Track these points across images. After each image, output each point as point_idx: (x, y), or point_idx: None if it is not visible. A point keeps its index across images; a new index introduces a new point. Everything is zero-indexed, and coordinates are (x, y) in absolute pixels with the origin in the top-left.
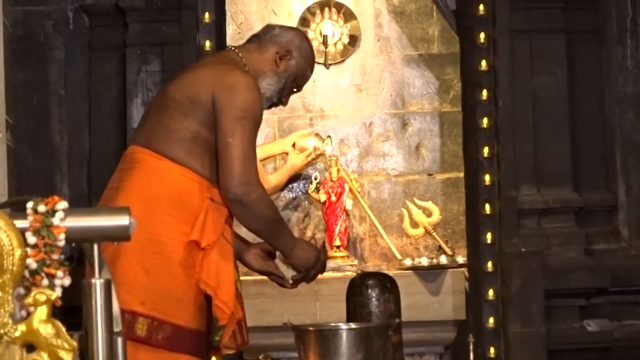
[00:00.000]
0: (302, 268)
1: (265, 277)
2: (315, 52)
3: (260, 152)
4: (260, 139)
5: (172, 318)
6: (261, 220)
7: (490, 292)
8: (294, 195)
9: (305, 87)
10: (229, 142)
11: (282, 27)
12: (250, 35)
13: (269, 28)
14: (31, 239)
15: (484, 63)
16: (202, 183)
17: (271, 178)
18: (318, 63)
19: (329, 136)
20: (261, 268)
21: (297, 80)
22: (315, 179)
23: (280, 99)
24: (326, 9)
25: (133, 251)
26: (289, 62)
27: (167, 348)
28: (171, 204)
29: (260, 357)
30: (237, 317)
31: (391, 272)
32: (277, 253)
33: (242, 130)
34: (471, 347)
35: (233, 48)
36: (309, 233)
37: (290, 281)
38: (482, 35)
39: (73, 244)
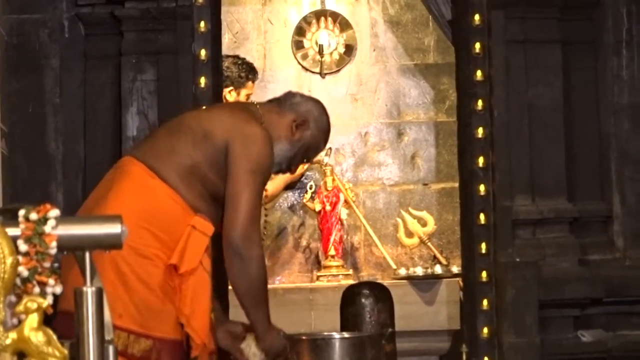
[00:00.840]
0: (271, 352)
1: None
2: (312, 60)
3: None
4: None
5: (150, 331)
6: (252, 281)
7: (485, 302)
8: (289, 204)
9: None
10: (240, 194)
11: (303, 96)
12: (272, 97)
13: (290, 95)
14: (23, 246)
15: (479, 73)
16: (187, 209)
17: (267, 187)
18: (313, 72)
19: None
20: (227, 347)
21: (308, 151)
22: (311, 188)
23: (289, 166)
24: (322, 19)
25: (113, 263)
26: (305, 132)
27: None
28: (155, 223)
29: None
30: (209, 349)
31: (386, 282)
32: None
33: (253, 184)
34: (464, 357)
35: (256, 104)
36: (303, 242)
37: None
38: (477, 46)
39: (64, 252)
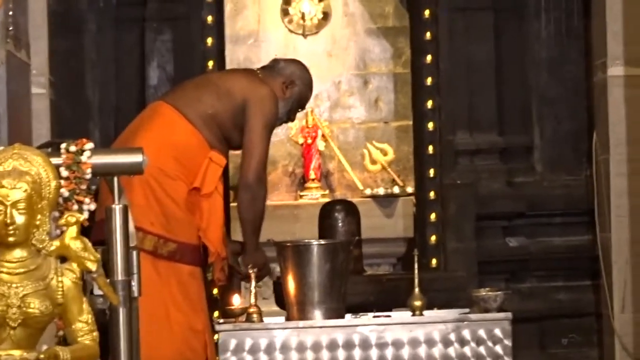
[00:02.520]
0: (254, 263)
1: None
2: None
3: None
4: None
5: (175, 236)
6: (256, 212)
7: (433, 216)
8: (277, 138)
9: (288, 54)
10: (256, 144)
11: (286, 60)
12: (260, 66)
13: (275, 61)
14: (64, 172)
15: (428, 34)
16: (205, 145)
17: None
18: (297, 34)
19: None
20: (228, 259)
21: (300, 102)
22: (295, 125)
23: (289, 117)
24: None
25: (147, 181)
26: (293, 89)
27: (170, 260)
28: (181, 153)
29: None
30: (222, 256)
31: (354, 200)
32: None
33: (266, 137)
34: (416, 259)
35: (258, 70)
36: (290, 169)
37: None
38: (427, 12)
39: (97, 177)
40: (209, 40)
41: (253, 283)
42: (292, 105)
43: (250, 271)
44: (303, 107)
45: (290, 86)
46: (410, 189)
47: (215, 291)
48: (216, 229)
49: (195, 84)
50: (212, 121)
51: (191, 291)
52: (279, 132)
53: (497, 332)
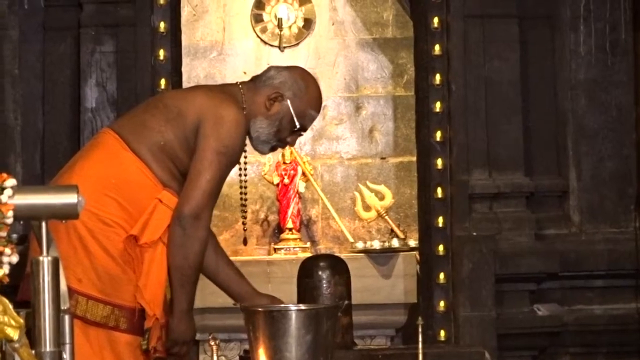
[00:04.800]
0: (174, 336)
1: None
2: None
3: None
4: None
5: (109, 297)
6: (187, 259)
7: (442, 276)
8: (246, 177)
9: (259, 71)
10: (202, 172)
11: (278, 68)
12: (253, 75)
13: (267, 70)
14: None
15: (437, 47)
16: (155, 183)
17: None
18: (272, 46)
19: None
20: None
21: (294, 121)
22: (269, 161)
23: (280, 140)
24: None
25: (74, 229)
26: (281, 104)
27: (103, 327)
28: (122, 193)
29: (209, 337)
30: (161, 322)
31: (343, 255)
32: None
33: (217, 166)
34: (420, 329)
35: (239, 84)
36: (261, 215)
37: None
38: (435, 20)
39: (21, 222)
40: (161, 53)
41: (215, 358)
42: (279, 125)
43: (213, 342)
44: (303, 128)
45: (276, 100)
46: (413, 243)
47: None
48: (156, 288)
49: (145, 107)
50: (162, 152)
51: None
52: (249, 170)
53: None
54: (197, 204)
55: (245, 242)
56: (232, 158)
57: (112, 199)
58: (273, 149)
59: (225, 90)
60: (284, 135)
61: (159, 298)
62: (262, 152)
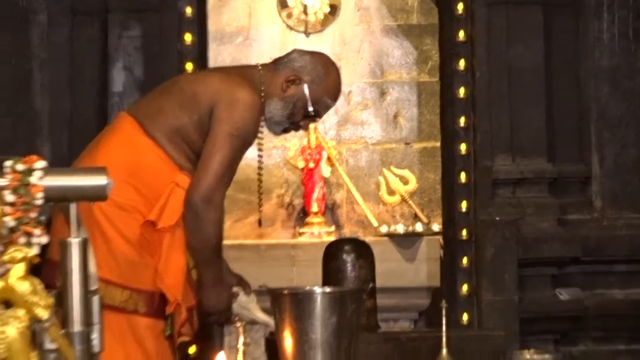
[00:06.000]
0: (207, 308)
1: (244, 242)
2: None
3: None
4: None
5: (128, 282)
6: (204, 241)
7: (465, 260)
8: (272, 161)
9: None
10: (213, 155)
11: (301, 51)
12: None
13: (290, 52)
14: (9, 197)
15: (461, 34)
16: (171, 166)
17: None
18: (298, 31)
19: None
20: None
21: (308, 107)
22: (294, 145)
23: (292, 123)
24: None
25: (92, 214)
26: (298, 87)
27: (123, 311)
28: (138, 177)
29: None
30: (188, 305)
31: (367, 239)
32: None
33: (229, 148)
34: (444, 313)
35: (259, 66)
36: (287, 199)
37: None
38: (460, 7)
39: (50, 203)
40: (188, 37)
41: (241, 339)
42: (293, 108)
43: (239, 324)
44: (318, 115)
45: (293, 83)
46: (436, 227)
47: (193, 349)
48: (176, 273)
49: (161, 90)
50: (177, 136)
51: (150, 348)
52: (274, 154)
53: None
54: (208, 186)
55: (260, 223)
56: (245, 141)
57: (129, 185)
58: (285, 130)
59: (242, 73)
60: (297, 118)
61: (179, 283)
62: (275, 133)
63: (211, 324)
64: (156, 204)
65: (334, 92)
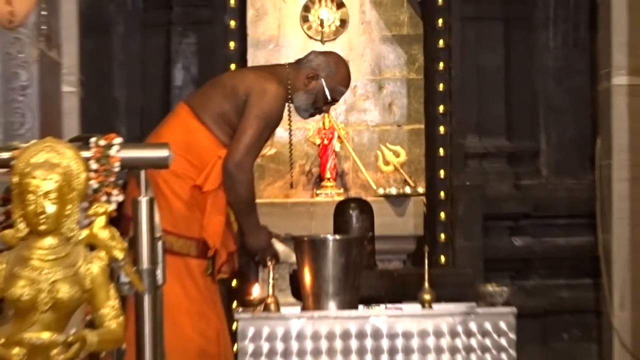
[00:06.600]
0: (249, 247)
1: (274, 200)
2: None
3: None
4: None
5: (182, 232)
6: (237, 197)
7: (442, 215)
8: (296, 139)
9: None
10: (244, 131)
11: (317, 53)
12: (298, 58)
13: (308, 54)
14: (93, 165)
15: (441, 42)
16: (216, 143)
17: None
18: (315, 40)
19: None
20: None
21: (327, 95)
22: (312, 127)
23: (317, 109)
24: None
25: (155, 181)
26: (317, 81)
27: (179, 254)
28: (191, 152)
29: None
30: (229, 250)
31: (369, 199)
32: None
33: (257, 126)
34: (426, 255)
35: (286, 65)
36: (307, 168)
37: None
38: (440, 21)
39: (125, 170)
40: (232, 44)
41: (271, 275)
42: (316, 98)
43: (270, 263)
44: (336, 100)
45: (313, 78)
46: (421, 190)
47: (234, 282)
48: (216, 225)
49: (210, 84)
50: (221, 120)
51: (201, 282)
52: (297, 134)
53: (502, 325)
54: (240, 154)
55: (292, 185)
56: (270, 123)
57: (183, 157)
58: (312, 115)
59: (272, 70)
60: (320, 105)
61: (218, 233)
62: (303, 117)
63: (256, 264)
64: (203, 172)
65: (345, 81)
